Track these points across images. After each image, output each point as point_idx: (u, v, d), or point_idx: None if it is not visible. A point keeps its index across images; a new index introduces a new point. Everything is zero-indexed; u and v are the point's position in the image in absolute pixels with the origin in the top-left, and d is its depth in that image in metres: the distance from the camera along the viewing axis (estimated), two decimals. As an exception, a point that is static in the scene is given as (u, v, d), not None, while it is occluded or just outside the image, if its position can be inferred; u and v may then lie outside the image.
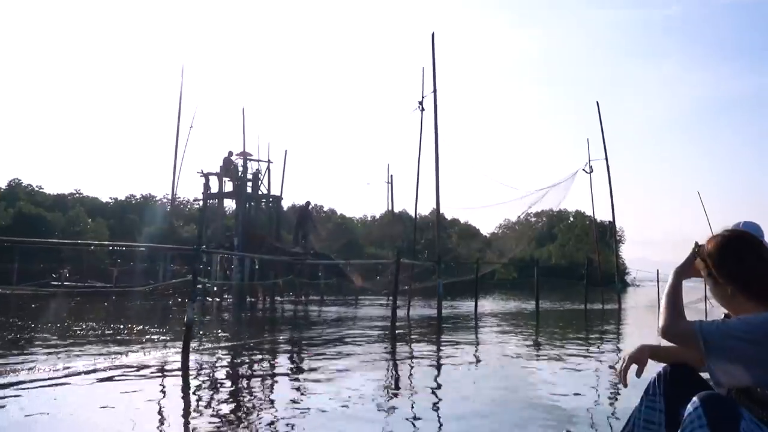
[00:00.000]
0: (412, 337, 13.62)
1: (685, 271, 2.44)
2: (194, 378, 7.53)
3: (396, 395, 6.72)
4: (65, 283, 28.94)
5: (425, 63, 22.41)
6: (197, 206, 30.85)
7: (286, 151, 32.25)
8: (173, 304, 22.41)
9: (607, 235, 50.20)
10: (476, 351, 11.16)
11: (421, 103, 22.21)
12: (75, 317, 16.49)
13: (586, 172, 27.79)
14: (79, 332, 12.70)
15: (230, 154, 28.41)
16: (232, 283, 26.06)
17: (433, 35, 21.36)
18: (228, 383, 7.40)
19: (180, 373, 7.81)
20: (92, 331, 12.84)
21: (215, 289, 26.61)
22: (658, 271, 28.24)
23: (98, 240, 47.57)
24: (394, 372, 8.57)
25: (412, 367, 9.30)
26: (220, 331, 14.07)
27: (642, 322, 20.02)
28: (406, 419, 5.42)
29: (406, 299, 20.84)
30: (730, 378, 2.16)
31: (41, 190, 57.03)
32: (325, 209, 73.05)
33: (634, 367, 2.55)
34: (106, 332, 12.78)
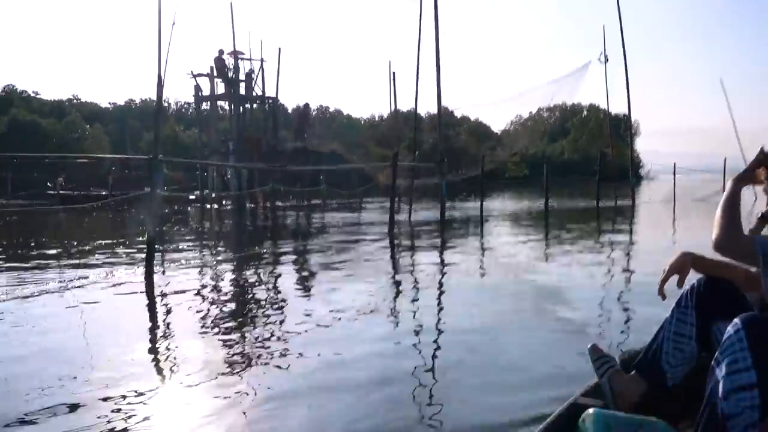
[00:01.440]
0: (413, 242, 12.86)
1: (746, 179, 2.28)
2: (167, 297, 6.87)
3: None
4: (60, 192, 28.22)
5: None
6: (195, 108, 29.39)
7: (279, 48, 30.61)
8: (170, 212, 21.76)
9: (621, 128, 48.55)
10: (480, 254, 10.51)
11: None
12: (52, 231, 15.85)
13: (601, 62, 26.05)
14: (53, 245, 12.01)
15: (221, 53, 26.80)
16: (230, 193, 25.20)
17: None
18: (199, 299, 6.68)
19: (143, 291, 7.09)
20: (66, 245, 12.11)
21: (213, 195, 25.81)
22: (675, 164, 27.06)
23: (98, 146, 46.88)
24: (392, 281, 7.90)
25: (412, 269, 8.80)
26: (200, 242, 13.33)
27: (656, 219, 19.11)
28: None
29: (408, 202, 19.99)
30: None
31: (38, 96, 55.71)
32: (330, 110, 71.57)
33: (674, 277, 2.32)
34: (79, 246, 12.04)
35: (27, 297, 6.71)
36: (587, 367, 2.51)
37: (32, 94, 55.17)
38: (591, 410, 2.01)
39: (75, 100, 58.08)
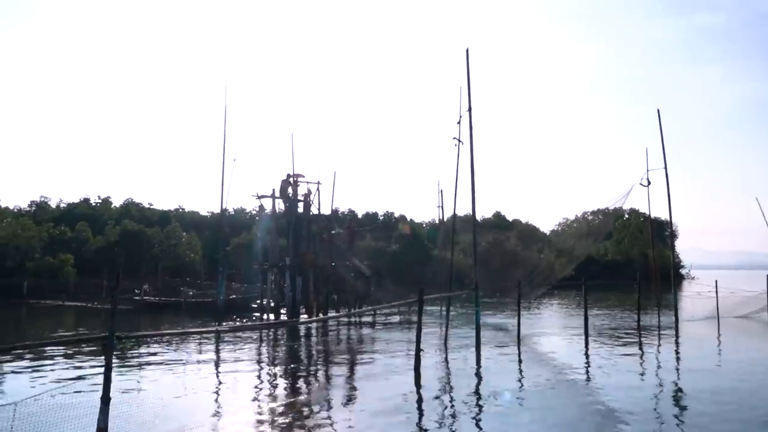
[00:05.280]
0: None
1: None
2: None
3: None
4: (145, 298, 27.52)
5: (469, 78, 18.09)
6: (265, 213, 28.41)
7: (335, 172, 29.43)
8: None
9: (661, 232, 44.83)
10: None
11: (458, 137, 17.84)
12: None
13: (643, 185, 23.45)
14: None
15: (289, 176, 25.70)
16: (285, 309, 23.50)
17: (467, 51, 17.53)
18: None
19: None
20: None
21: (272, 304, 24.07)
22: (716, 282, 23.48)
23: (193, 250, 46.72)
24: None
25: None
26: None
27: (701, 345, 15.85)
28: None
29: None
30: None
31: (151, 207, 57.08)
32: (395, 215, 70.17)
33: None
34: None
35: None
36: None
37: (147, 206, 56.74)
38: None
39: (180, 210, 59.21)
